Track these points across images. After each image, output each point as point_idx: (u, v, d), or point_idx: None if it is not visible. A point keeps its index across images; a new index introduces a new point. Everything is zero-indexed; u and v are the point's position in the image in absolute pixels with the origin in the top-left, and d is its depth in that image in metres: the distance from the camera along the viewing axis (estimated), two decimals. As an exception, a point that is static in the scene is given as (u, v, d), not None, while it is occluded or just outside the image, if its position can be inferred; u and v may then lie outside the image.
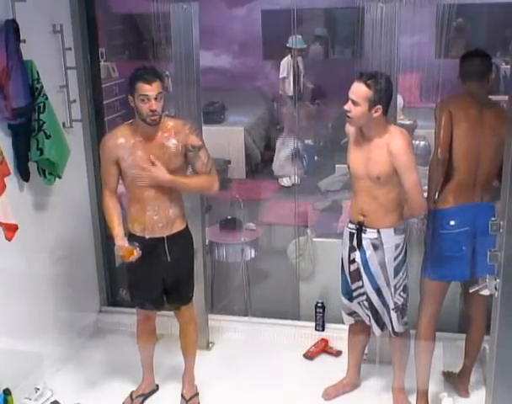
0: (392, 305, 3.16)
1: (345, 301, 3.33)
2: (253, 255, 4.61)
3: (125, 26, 7.69)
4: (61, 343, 3.83)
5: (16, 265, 3.39)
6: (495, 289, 2.09)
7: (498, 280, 2.08)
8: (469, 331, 3.40)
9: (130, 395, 3.55)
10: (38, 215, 3.64)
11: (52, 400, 3.51)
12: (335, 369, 3.68)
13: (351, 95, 2.92)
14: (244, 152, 7.19)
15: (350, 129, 3.13)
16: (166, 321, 3.69)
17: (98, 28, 4.17)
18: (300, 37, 6.88)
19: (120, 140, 3.12)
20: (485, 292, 2.16)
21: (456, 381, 3.50)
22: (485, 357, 3.44)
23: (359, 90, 2.89)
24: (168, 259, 3.21)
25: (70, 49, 3.82)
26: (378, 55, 3.31)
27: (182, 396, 3.51)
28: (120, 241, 3.13)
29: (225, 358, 3.94)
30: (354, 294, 3.25)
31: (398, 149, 2.93)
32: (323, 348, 3.97)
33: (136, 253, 3.11)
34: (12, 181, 3.30)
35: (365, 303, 3.22)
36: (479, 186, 3.12)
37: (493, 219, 2.10)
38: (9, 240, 3.16)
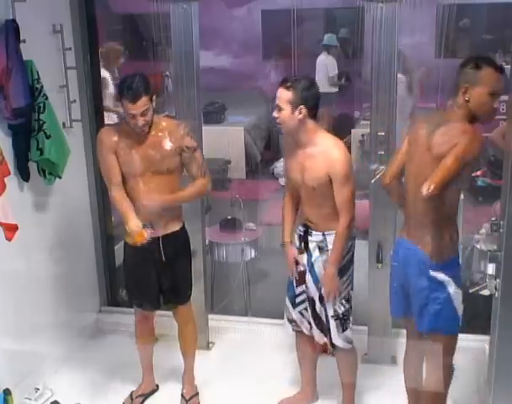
0: (331, 313, 3.04)
1: (289, 305, 3.23)
2: (253, 255, 4.61)
3: (125, 26, 7.70)
4: (61, 343, 3.82)
5: (16, 265, 3.39)
6: (495, 289, 2.10)
7: (498, 280, 2.08)
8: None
9: (130, 395, 3.55)
10: (38, 215, 3.63)
11: (52, 400, 3.51)
12: (335, 369, 3.67)
13: (276, 101, 2.89)
14: (244, 152, 7.20)
15: (286, 138, 3.09)
16: (165, 321, 3.69)
17: (98, 28, 4.17)
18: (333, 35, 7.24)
19: (117, 134, 3.10)
20: (485, 292, 2.16)
21: None
22: (485, 357, 3.44)
23: (280, 95, 2.86)
24: (163, 259, 3.20)
25: (70, 49, 3.81)
26: (378, 55, 3.32)
27: (182, 395, 3.51)
28: (134, 225, 3.05)
29: (225, 358, 3.93)
30: (297, 299, 3.17)
31: (338, 159, 2.86)
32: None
33: (147, 234, 3.04)
34: (12, 181, 3.30)
35: (308, 310, 3.13)
36: (412, 222, 2.75)
37: (492, 219, 2.10)
38: (9, 240, 3.16)
